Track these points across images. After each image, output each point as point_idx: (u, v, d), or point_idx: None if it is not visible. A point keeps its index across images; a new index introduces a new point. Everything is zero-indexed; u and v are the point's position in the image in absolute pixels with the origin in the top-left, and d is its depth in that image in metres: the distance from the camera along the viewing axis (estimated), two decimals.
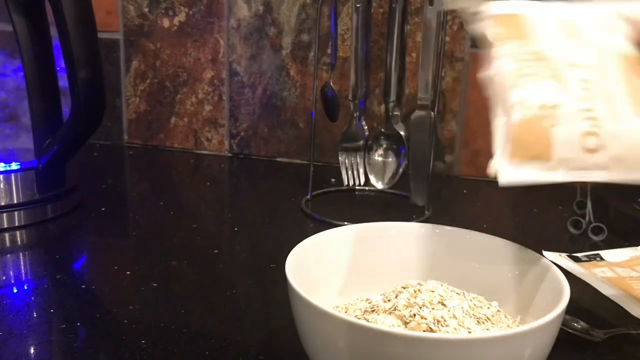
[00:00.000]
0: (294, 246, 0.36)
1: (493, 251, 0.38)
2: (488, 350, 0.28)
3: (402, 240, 0.40)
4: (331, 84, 0.64)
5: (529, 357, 0.29)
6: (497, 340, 0.28)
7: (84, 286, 0.47)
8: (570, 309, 0.33)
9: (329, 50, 0.70)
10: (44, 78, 0.56)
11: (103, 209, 0.63)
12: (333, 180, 0.71)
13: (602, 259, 0.51)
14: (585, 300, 0.45)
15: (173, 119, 0.85)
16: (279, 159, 0.82)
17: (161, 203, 0.66)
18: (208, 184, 0.75)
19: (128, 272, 0.50)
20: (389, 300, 0.34)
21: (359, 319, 0.33)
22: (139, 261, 0.53)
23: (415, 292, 0.34)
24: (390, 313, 0.33)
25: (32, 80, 0.55)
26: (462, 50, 0.74)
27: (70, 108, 0.55)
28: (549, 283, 0.34)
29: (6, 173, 0.56)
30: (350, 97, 0.62)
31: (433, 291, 0.34)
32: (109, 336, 0.40)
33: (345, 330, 0.28)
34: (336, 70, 0.72)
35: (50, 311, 0.43)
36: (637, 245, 0.54)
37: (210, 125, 0.84)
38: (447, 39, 0.73)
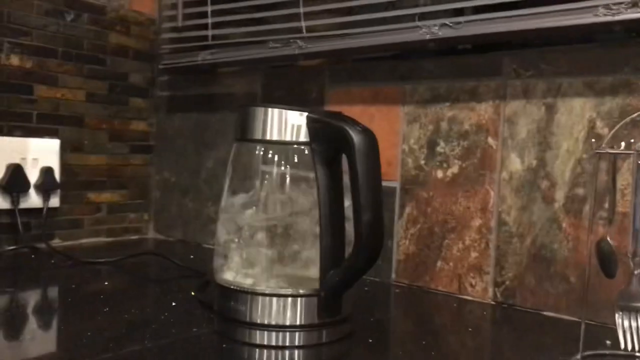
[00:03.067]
0: None
1: None
2: None
3: None
4: (608, 238, 0.61)
5: None
6: None
7: None
8: None
9: (605, 205, 0.68)
10: (334, 219, 0.64)
11: (370, 340, 0.67)
12: (609, 342, 0.65)
13: None
14: None
15: (439, 263, 0.89)
16: (545, 313, 0.78)
17: (423, 343, 0.68)
18: (470, 329, 0.75)
19: None
20: None
21: None
22: None
23: None
24: None
25: (324, 219, 0.64)
26: None
27: (352, 246, 0.62)
28: None
29: (294, 297, 0.64)
30: (630, 254, 0.58)
31: None
32: None
33: None
34: (614, 225, 0.69)
35: None
36: None
37: (475, 272, 0.85)
38: None
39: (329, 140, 0.63)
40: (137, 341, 0.64)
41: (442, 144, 0.88)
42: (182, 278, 0.92)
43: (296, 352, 0.63)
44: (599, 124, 0.75)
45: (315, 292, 0.64)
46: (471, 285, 0.86)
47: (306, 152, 0.64)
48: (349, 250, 0.63)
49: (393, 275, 0.93)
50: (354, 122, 0.60)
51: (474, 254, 0.85)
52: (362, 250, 0.60)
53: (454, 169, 0.87)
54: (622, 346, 0.58)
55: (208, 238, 1.19)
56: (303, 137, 0.64)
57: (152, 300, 0.85)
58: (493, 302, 0.83)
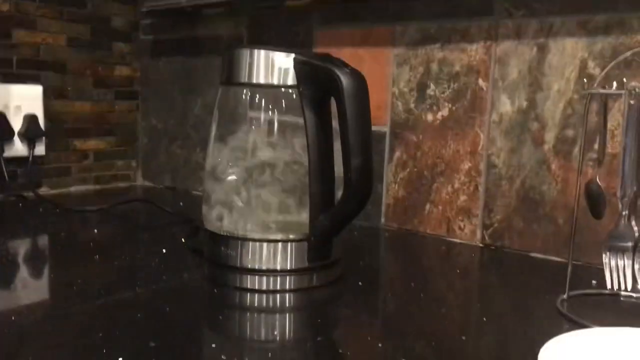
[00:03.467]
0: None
1: None
2: None
3: None
4: (597, 179, 0.61)
5: None
6: None
7: (340, 350, 0.52)
8: None
9: (595, 146, 0.68)
10: (323, 163, 0.64)
11: (360, 283, 0.68)
12: (594, 282, 0.67)
13: None
14: None
15: (428, 206, 0.89)
16: (533, 254, 0.79)
17: (412, 284, 0.69)
18: (458, 271, 0.76)
19: (380, 344, 0.52)
20: None
21: None
22: (388, 335, 0.56)
23: None
24: None
25: (313, 164, 0.63)
26: None
27: (342, 190, 0.61)
28: None
29: (285, 242, 0.64)
30: (619, 194, 0.58)
31: None
32: None
33: None
34: (603, 167, 0.69)
35: None
36: None
37: (463, 215, 0.86)
38: None
39: (317, 83, 0.61)
40: (128, 288, 0.64)
41: (432, 86, 0.87)
42: (172, 225, 0.92)
43: (287, 295, 0.64)
44: (590, 64, 0.74)
45: (305, 237, 0.64)
46: (460, 228, 0.86)
47: (294, 96, 0.63)
48: (338, 195, 0.63)
49: (382, 220, 0.94)
50: (342, 64, 0.59)
51: (462, 197, 0.86)
52: (352, 195, 0.60)
53: (444, 112, 0.86)
54: (609, 285, 0.59)
55: (197, 185, 1.18)
56: (290, 80, 0.62)
57: (142, 247, 0.85)
58: (481, 245, 0.84)
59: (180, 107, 1.20)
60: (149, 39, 1.24)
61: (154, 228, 0.94)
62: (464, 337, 0.54)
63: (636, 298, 0.61)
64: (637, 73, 0.69)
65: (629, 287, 0.58)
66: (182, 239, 0.81)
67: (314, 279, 0.65)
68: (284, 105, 0.65)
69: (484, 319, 0.59)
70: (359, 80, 0.58)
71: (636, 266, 0.57)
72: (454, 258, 0.82)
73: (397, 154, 0.91)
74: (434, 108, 0.87)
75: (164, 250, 0.78)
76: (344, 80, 0.58)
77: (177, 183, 1.23)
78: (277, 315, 0.61)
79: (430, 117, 0.88)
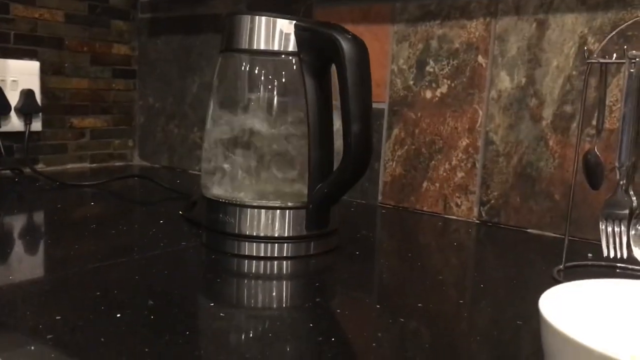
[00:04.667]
0: None
1: None
2: None
3: None
4: (596, 150, 0.62)
5: None
6: None
7: (338, 310, 0.52)
8: None
9: (593, 122, 0.68)
10: (323, 131, 0.64)
11: (357, 253, 0.68)
12: (590, 255, 0.67)
13: None
14: None
15: (425, 184, 0.89)
16: (530, 230, 0.80)
17: (408, 255, 0.69)
18: (455, 244, 0.77)
19: (377, 306, 0.53)
20: None
21: None
22: (386, 299, 0.56)
23: None
24: None
25: (313, 132, 0.63)
26: None
27: (341, 159, 0.62)
28: None
29: (283, 209, 0.64)
30: (617, 163, 0.58)
31: None
32: (359, 353, 0.43)
33: None
34: (602, 140, 0.69)
35: (309, 325, 0.48)
36: None
37: (460, 192, 0.86)
38: None
39: (317, 50, 0.61)
40: (125, 254, 0.64)
41: (431, 63, 0.87)
42: (170, 200, 0.92)
43: (284, 262, 0.64)
44: (590, 39, 0.74)
45: (304, 205, 0.64)
46: (457, 205, 0.86)
47: (294, 64, 0.63)
48: (338, 164, 0.63)
49: (379, 197, 0.94)
50: (343, 30, 0.59)
51: (460, 174, 0.86)
52: (351, 162, 0.60)
53: (443, 89, 0.87)
54: (605, 253, 0.60)
55: (194, 164, 1.18)
56: (291, 46, 0.62)
57: (139, 219, 0.85)
58: (478, 221, 0.85)
59: (178, 86, 1.20)
60: (147, 17, 1.24)
61: (152, 202, 0.94)
62: (461, 301, 0.55)
63: (632, 269, 0.62)
64: (636, 47, 0.69)
65: (625, 255, 0.59)
66: (180, 212, 0.81)
67: (312, 247, 0.65)
68: (283, 74, 0.65)
69: (481, 285, 0.59)
70: (360, 46, 0.58)
71: (632, 232, 0.57)
72: (451, 234, 0.82)
73: (395, 131, 0.92)
74: (433, 85, 0.87)
75: (161, 221, 0.78)
76: (345, 45, 0.58)
77: (174, 162, 1.23)
78: (275, 282, 0.61)
79: (429, 94, 0.88)
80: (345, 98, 0.59)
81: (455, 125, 0.86)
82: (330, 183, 0.63)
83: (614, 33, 0.60)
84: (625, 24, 0.61)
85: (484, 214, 0.84)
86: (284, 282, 0.61)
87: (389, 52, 0.91)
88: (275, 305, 0.54)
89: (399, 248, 0.74)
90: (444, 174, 0.87)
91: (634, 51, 0.57)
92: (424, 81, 0.88)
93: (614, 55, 0.60)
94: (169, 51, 1.21)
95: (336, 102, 0.62)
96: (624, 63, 0.57)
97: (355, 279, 0.61)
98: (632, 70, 0.57)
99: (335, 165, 0.63)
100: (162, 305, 0.49)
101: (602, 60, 0.60)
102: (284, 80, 0.65)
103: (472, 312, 0.53)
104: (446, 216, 0.87)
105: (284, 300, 0.56)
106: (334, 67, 0.60)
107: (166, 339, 0.42)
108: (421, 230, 0.84)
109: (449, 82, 0.86)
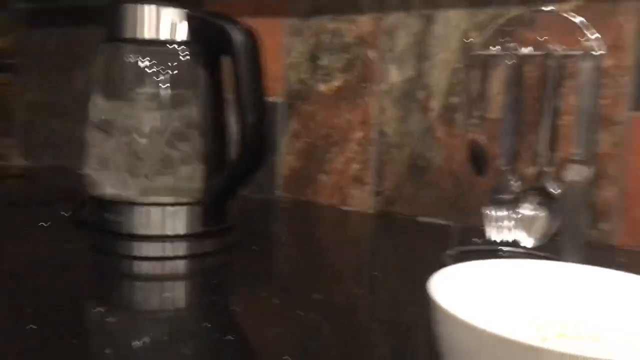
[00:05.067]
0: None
1: None
2: None
3: (552, 278, 0.38)
4: (480, 140, 0.65)
5: None
6: None
7: (235, 308, 0.51)
8: None
9: (477, 113, 0.71)
10: (216, 124, 0.63)
11: (254, 248, 0.67)
12: (477, 239, 0.70)
13: None
14: None
15: (322, 176, 0.90)
16: (421, 219, 0.83)
17: (307, 247, 0.69)
18: (350, 235, 0.78)
19: (276, 301, 0.52)
20: (538, 330, 0.33)
21: None
22: (284, 293, 0.56)
23: (566, 324, 0.33)
24: (540, 342, 0.32)
25: (206, 125, 0.62)
26: (621, 114, 0.71)
27: (237, 150, 0.60)
28: None
29: (176, 206, 0.62)
30: (500, 151, 0.62)
31: (586, 325, 0.32)
32: (256, 349, 0.42)
33: (493, 345, 0.28)
34: (486, 129, 0.73)
35: (204, 325, 0.46)
36: None
37: (356, 183, 0.87)
38: (605, 102, 0.71)
39: (209, 40, 0.60)
40: (6, 261, 0.60)
41: (324, 57, 0.88)
42: (55, 202, 0.87)
43: (180, 262, 0.62)
44: (473, 34, 0.78)
45: (199, 201, 0.62)
46: (353, 196, 0.88)
47: (184, 54, 0.61)
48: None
49: (277, 191, 0.94)
50: (235, 21, 0.58)
51: (355, 166, 0.87)
52: (247, 154, 0.59)
53: (337, 83, 0.88)
54: (490, 236, 0.63)
55: (81, 163, 1.12)
56: (181, 37, 0.60)
57: (22, 223, 0.79)
58: (373, 212, 0.86)
59: (62, 80, 1.13)
60: (25, 7, 1.16)
61: (36, 205, 0.88)
62: (357, 291, 0.56)
63: (515, 252, 0.65)
64: (514, 41, 0.73)
65: (509, 238, 0.62)
66: (65, 213, 0.76)
67: (208, 245, 0.64)
68: (173, 66, 0.63)
69: (375, 273, 0.61)
70: (252, 37, 0.58)
71: (515, 216, 0.61)
72: (347, 225, 0.83)
73: (291, 124, 0.92)
74: (327, 79, 0.88)
75: (46, 224, 0.73)
76: (237, 36, 0.57)
77: (60, 161, 1.15)
78: (170, 283, 0.59)
79: (323, 87, 0.89)
80: (239, 89, 0.58)
81: (349, 118, 0.87)
82: (226, 177, 0.62)
83: (493, 28, 0.64)
84: (503, 19, 0.64)
85: (379, 205, 0.86)
86: (180, 282, 0.59)
87: (282, 46, 0.91)
88: (170, 307, 0.52)
89: (297, 241, 0.74)
90: (340, 166, 0.88)
91: (511, 44, 0.60)
92: (317, 75, 0.89)
93: (495, 48, 0.64)
94: (50, 44, 1.13)
95: (230, 95, 0.61)
96: (503, 56, 0.60)
97: (254, 274, 0.60)
98: (511, 62, 0.60)
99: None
100: (48, 313, 0.46)
101: (483, 53, 0.63)
102: (173, 72, 0.62)
103: (369, 302, 0.54)
104: (343, 208, 0.88)
105: (180, 300, 0.55)
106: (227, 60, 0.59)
107: (53, 350, 0.39)
108: (319, 223, 0.84)
109: (342, 75, 0.87)
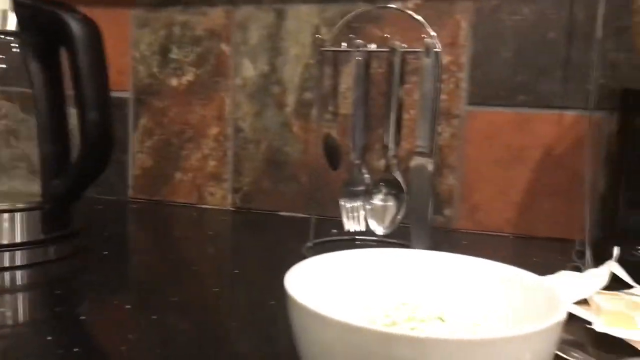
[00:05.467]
0: None
1: (491, 275, 0.39)
2: (490, 352, 0.27)
3: (401, 265, 0.40)
4: (333, 133, 0.66)
5: None
6: (498, 342, 0.28)
7: (83, 317, 0.47)
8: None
9: (330, 108, 0.73)
10: (55, 122, 0.58)
11: (105, 253, 0.63)
12: (334, 231, 0.72)
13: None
14: (582, 335, 0.45)
15: (178, 174, 0.87)
16: (281, 213, 0.83)
17: (163, 249, 0.66)
18: (210, 233, 0.76)
19: (128, 306, 0.49)
20: (388, 316, 0.34)
21: None
22: (137, 298, 0.53)
23: (415, 308, 0.34)
24: (390, 327, 0.33)
25: (43, 123, 0.57)
26: (458, 108, 0.76)
27: (78, 149, 0.56)
28: (547, 301, 0.34)
29: (11, 212, 0.56)
30: (351, 145, 0.63)
31: (432, 308, 0.34)
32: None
33: (345, 333, 0.28)
34: (338, 124, 0.75)
35: (47, 339, 0.43)
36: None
37: (214, 180, 0.86)
38: (444, 96, 0.76)
39: (43, 30, 0.55)
40: None
41: (175, 50, 0.85)
42: None
43: (18, 272, 0.57)
44: (323, 29, 0.79)
45: (38, 205, 0.57)
46: (211, 194, 0.86)
47: (15, 45, 0.55)
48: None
49: (130, 192, 0.89)
50: (71, 9, 0.54)
51: (212, 163, 0.85)
52: (90, 154, 0.55)
53: (189, 77, 0.85)
54: (346, 227, 0.64)
55: None
56: (10, 26, 0.55)
57: None
58: (233, 209, 0.85)
59: None
60: None
61: None
62: (216, 289, 0.54)
63: (369, 240, 0.68)
64: (362, 37, 0.75)
65: (363, 228, 0.64)
66: None
67: (51, 252, 0.59)
68: (2, 59, 0.57)
69: (237, 271, 0.60)
70: (92, 27, 0.54)
71: (367, 207, 0.63)
72: (206, 223, 0.81)
73: (143, 121, 0.87)
74: (179, 72, 0.85)
75: None
76: (75, 26, 0.53)
77: None
78: (6, 296, 0.53)
79: (174, 81, 0.85)
80: (79, 84, 0.54)
81: (204, 114, 0.85)
82: (68, 179, 0.57)
83: (341, 23, 0.65)
84: (351, 14, 0.66)
85: (237, 201, 0.85)
86: (18, 295, 0.54)
87: (129, 37, 0.86)
88: (6, 322, 0.47)
89: (152, 243, 0.71)
90: (196, 163, 0.86)
91: (359, 40, 0.62)
92: (168, 69, 0.86)
93: (344, 44, 0.65)
94: None
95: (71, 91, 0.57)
96: (352, 52, 0.62)
97: (104, 281, 0.56)
98: (358, 59, 0.62)
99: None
100: None
101: (333, 49, 0.64)
102: (3, 64, 0.57)
103: (228, 299, 0.53)
104: (201, 206, 0.86)
105: (18, 315, 0.49)
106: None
107: None
108: (175, 223, 0.81)
109: (194, 69, 0.85)
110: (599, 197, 0.73)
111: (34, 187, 0.57)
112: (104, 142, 0.56)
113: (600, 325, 0.44)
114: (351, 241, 0.68)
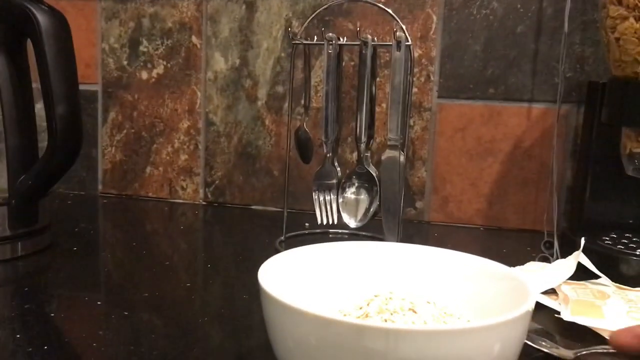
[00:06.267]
0: None
1: (461, 266, 0.39)
2: (460, 342, 0.28)
3: (373, 258, 0.40)
4: (305, 127, 0.66)
5: (499, 354, 0.29)
6: (468, 332, 0.28)
7: (52, 314, 0.47)
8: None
9: (302, 101, 0.73)
10: (21, 115, 0.56)
11: (75, 249, 0.62)
12: (307, 224, 0.72)
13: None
14: (550, 324, 0.46)
15: (148, 169, 0.86)
16: (253, 207, 0.83)
17: (134, 244, 0.66)
18: (182, 228, 0.75)
19: (99, 302, 0.49)
20: (360, 308, 0.34)
21: None
22: (108, 293, 0.52)
23: (386, 299, 0.34)
24: (362, 319, 0.33)
25: (8, 116, 0.55)
26: (429, 101, 0.77)
27: (47, 144, 0.55)
28: (515, 291, 0.35)
29: None
30: (323, 137, 0.63)
31: (404, 299, 0.34)
32: (77, 357, 0.39)
33: (318, 326, 0.29)
34: (310, 117, 0.75)
35: (16, 337, 0.42)
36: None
37: (185, 174, 0.85)
38: (415, 89, 0.77)
39: (8, 22, 0.53)
40: None
41: (145, 43, 0.84)
42: None
43: None
44: (294, 23, 0.79)
45: (4, 200, 0.56)
46: (182, 188, 0.85)
47: None
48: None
49: (100, 187, 0.88)
50: (38, 0, 0.52)
51: (183, 157, 0.85)
52: (58, 148, 0.54)
53: (159, 70, 0.84)
54: (319, 220, 0.65)
55: None
56: None
57: None
58: (205, 203, 0.85)
59: None
60: None
61: None
62: (189, 284, 0.54)
63: (342, 233, 0.68)
64: (333, 30, 0.75)
65: (335, 220, 0.64)
66: None
67: (19, 248, 0.58)
68: None
69: (209, 265, 0.60)
70: (59, 18, 0.53)
71: (340, 200, 0.63)
72: (178, 218, 0.80)
73: (112, 114, 0.86)
74: (149, 65, 0.84)
75: None
76: (41, 17, 0.52)
77: None
78: None
79: (145, 74, 0.84)
80: (47, 76, 0.53)
81: (174, 107, 0.84)
82: (35, 174, 0.56)
83: (313, 16, 0.65)
84: (322, 7, 0.66)
85: (209, 195, 0.84)
86: None
87: (97, 29, 0.85)
88: None
89: (123, 239, 0.70)
90: (167, 157, 0.85)
91: (330, 34, 0.62)
92: (138, 61, 0.84)
93: (315, 37, 0.65)
94: None
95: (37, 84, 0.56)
96: (323, 45, 0.62)
97: (73, 277, 0.56)
98: (330, 52, 0.62)
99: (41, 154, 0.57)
100: None
101: (305, 42, 0.64)
102: None
103: (201, 294, 0.53)
104: (172, 200, 0.85)
105: None
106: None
107: None
108: (147, 218, 0.81)
109: (164, 62, 0.83)
110: (566, 189, 0.75)
111: (0, 182, 0.56)
112: (72, 136, 0.55)
113: (567, 314, 0.45)
114: (324, 234, 0.68)
